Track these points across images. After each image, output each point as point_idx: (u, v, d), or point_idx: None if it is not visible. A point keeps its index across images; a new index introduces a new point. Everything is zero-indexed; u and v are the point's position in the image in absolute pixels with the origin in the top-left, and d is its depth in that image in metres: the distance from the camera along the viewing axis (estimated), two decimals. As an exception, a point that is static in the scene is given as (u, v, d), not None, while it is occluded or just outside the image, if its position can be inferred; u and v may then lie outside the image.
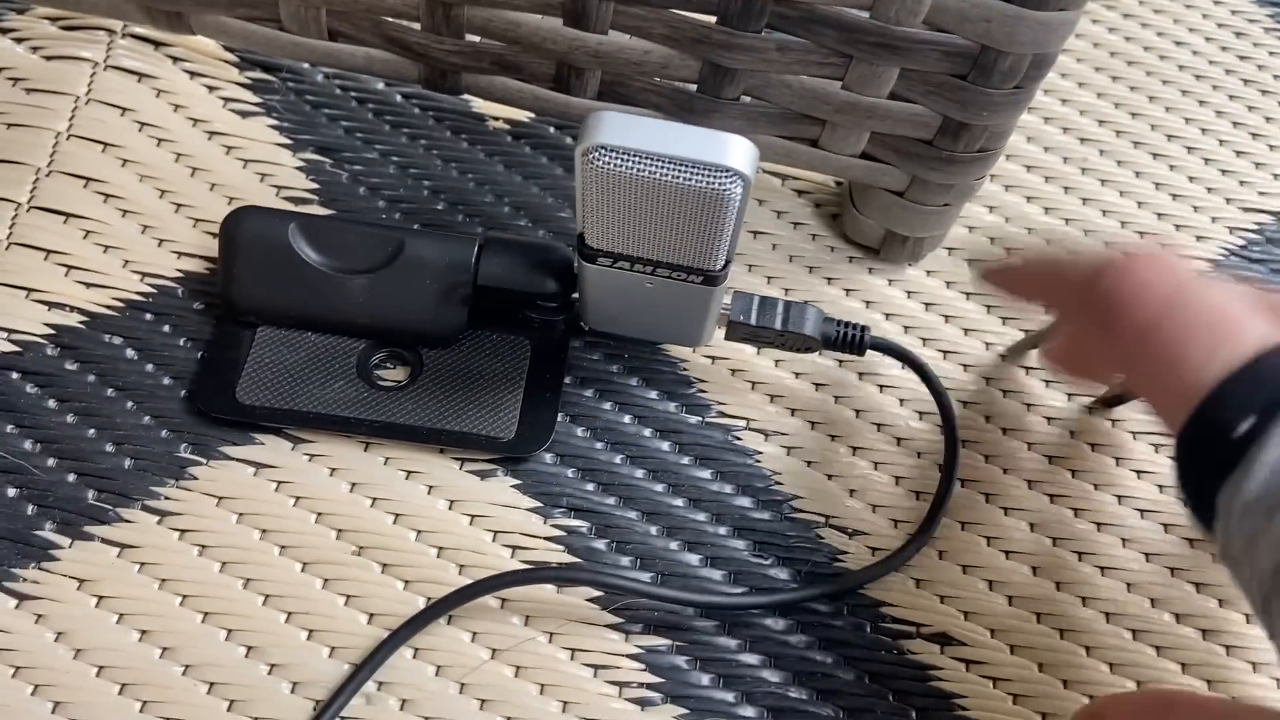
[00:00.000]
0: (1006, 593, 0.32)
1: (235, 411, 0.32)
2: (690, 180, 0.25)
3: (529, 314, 0.34)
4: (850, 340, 0.33)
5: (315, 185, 0.37)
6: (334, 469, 0.32)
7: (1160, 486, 0.34)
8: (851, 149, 0.34)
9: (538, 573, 0.31)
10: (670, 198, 0.26)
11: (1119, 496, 0.34)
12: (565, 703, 0.30)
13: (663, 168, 0.25)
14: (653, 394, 0.35)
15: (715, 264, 0.28)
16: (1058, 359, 0.32)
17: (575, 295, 0.33)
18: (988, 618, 0.32)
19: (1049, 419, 0.35)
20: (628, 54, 0.32)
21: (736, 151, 0.25)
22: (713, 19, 0.30)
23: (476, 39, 0.33)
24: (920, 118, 0.32)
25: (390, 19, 0.33)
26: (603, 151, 0.25)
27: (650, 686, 0.30)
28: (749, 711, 0.30)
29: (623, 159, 0.25)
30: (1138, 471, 0.34)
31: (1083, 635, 0.32)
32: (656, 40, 0.31)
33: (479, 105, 0.39)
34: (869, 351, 0.33)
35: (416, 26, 0.32)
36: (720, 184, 0.25)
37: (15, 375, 0.33)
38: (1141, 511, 0.34)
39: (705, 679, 0.30)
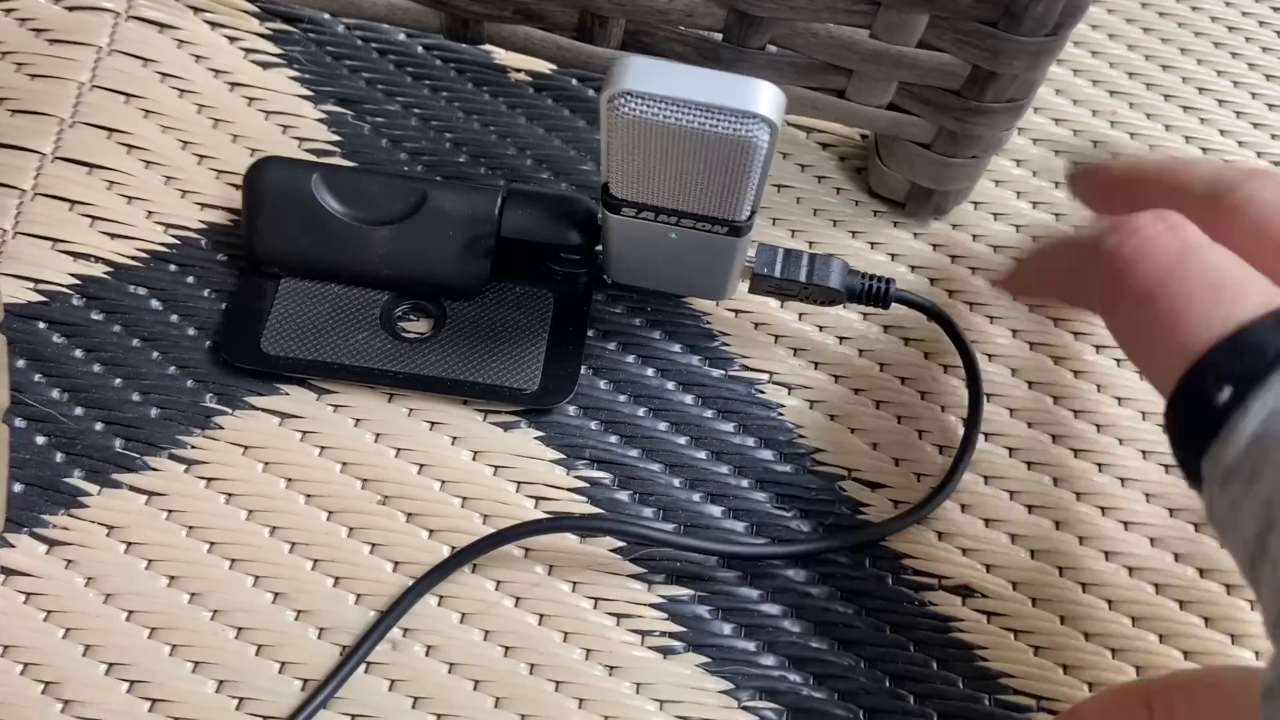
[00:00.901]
0: (1029, 546, 0.32)
1: (260, 362, 0.32)
2: (717, 127, 0.25)
3: (552, 267, 0.34)
4: (875, 293, 0.33)
5: (337, 137, 0.37)
6: (358, 420, 0.32)
7: (1186, 442, 0.34)
8: (878, 100, 0.34)
9: (560, 522, 0.31)
10: (696, 145, 0.25)
11: (1144, 451, 0.34)
12: (588, 650, 0.30)
13: (689, 114, 0.25)
14: (676, 347, 0.35)
15: (741, 214, 0.28)
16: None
17: (599, 248, 0.33)
18: (1010, 570, 0.32)
19: (1075, 373, 0.35)
20: (652, 1, 0.31)
21: (764, 98, 0.25)
22: (739, -36, 0.30)
23: (499, -14, 0.32)
24: (949, 67, 0.32)
25: (412, -34, 0.32)
26: (628, 98, 0.25)
27: (672, 635, 0.30)
28: (769, 660, 0.30)
29: (648, 105, 0.25)
30: (1161, 426, 0.34)
31: (1106, 589, 0.32)
32: (682, -13, 0.31)
33: (501, 57, 0.39)
34: (894, 305, 0.33)
35: (439, -26, 0.32)
36: (748, 130, 0.25)
37: (42, 325, 0.33)
38: (1166, 466, 0.34)
39: (727, 628, 0.31)
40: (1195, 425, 0.22)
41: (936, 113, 0.33)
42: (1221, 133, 0.40)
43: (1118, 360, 0.35)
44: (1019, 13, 0.29)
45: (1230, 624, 0.31)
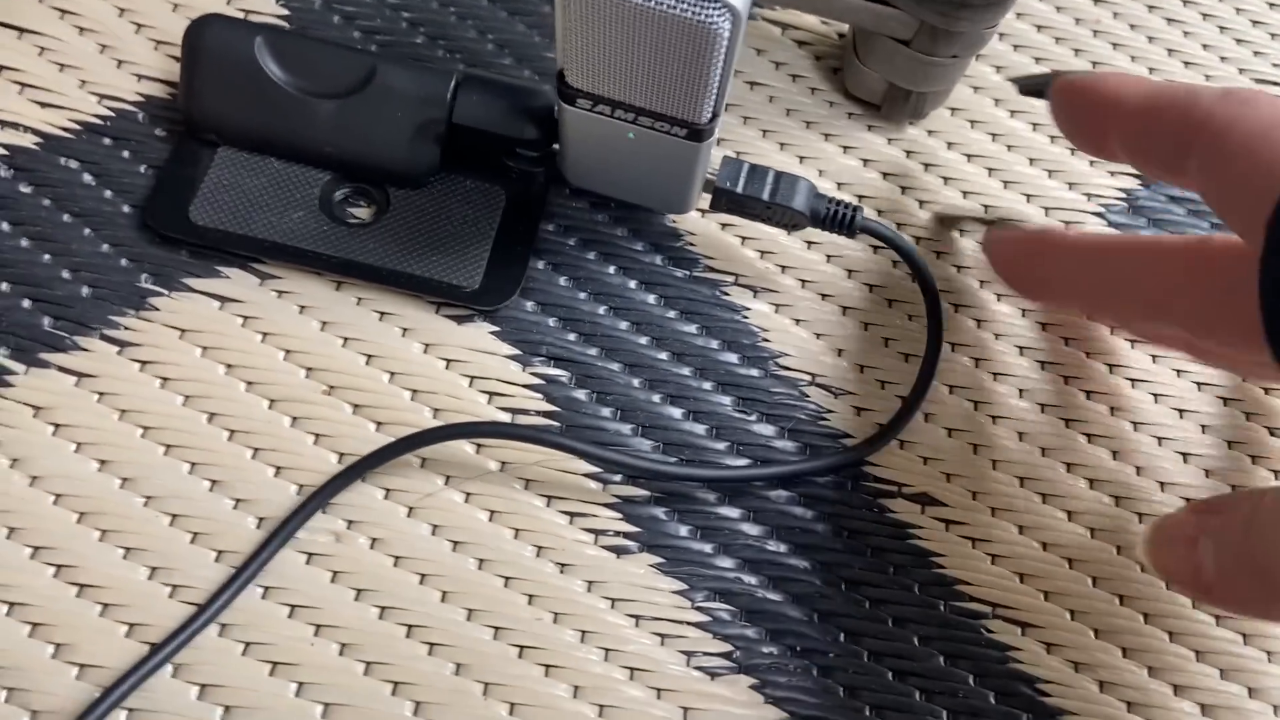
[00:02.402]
0: (991, 456, 0.32)
1: (187, 231, 0.30)
2: (675, 8, 0.23)
3: (507, 162, 0.32)
4: (840, 219, 0.31)
5: (286, 11, 0.35)
6: (304, 306, 0.31)
7: (1154, 357, 0.34)
8: (859, -10, 0.32)
9: (500, 427, 0.30)
10: (654, 28, 0.24)
11: (1110, 365, 0.33)
12: (540, 548, 0.29)
13: None
14: (639, 245, 0.33)
15: (701, 116, 0.27)
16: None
17: (556, 145, 0.31)
18: (970, 480, 0.31)
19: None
20: None
21: None
22: None
23: None
24: (934, -44, 0.30)
25: None
26: None
27: (627, 535, 0.30)
28: (726, 563, 0.30)
29: None
30: (1131, 341, 0.34)
31: (1065, 500, 0.31)
32: None
33: (463, -67, 0.37)
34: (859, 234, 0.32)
35: None
36: (708, 16, 0.23)
37: (-35, 195, 0.31)
38: (1133, 381, 0.33)
39: (683, 530, 0.30)
40: None
41: (918, 5, 0.32)
42: (1204, 46, 0.39)
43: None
44: (1010, -103, 0.28)
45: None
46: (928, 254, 0.34)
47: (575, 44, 0.25)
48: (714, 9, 0.23)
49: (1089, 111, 0.28)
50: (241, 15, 0.34)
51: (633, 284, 0.33)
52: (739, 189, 0.30)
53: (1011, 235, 0.33)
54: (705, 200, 0.31)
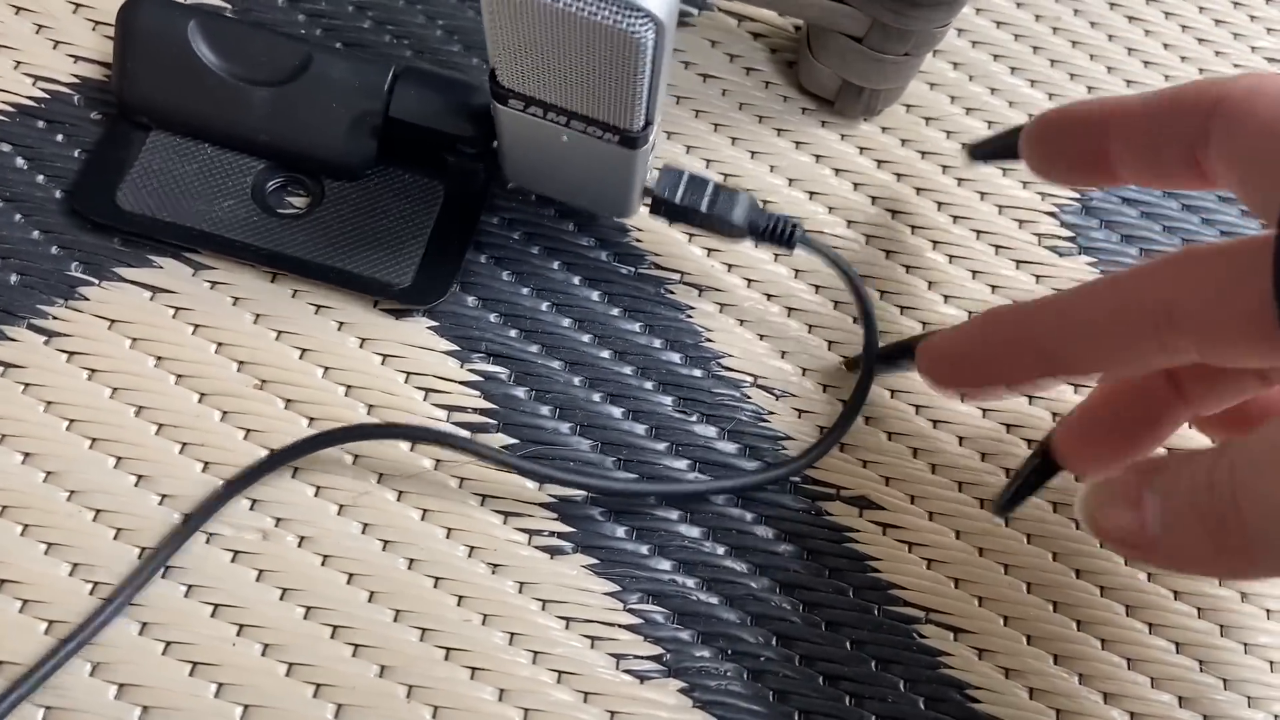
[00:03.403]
0: (931, 461, 0.32)
1: (113, 216, 0.30)
2: (596, 15, 0.23)
3: (447, 158, 0.31)
4: (779, 234, 0.31)
5: (229, -7, 0.34)
6: (237, 298, 0.30)
7: (1098, 362, 0.33)
8: (810, -15, 0.32)
9: (427, 431, 0.29)
10: (577, 33, 0.23)
11: (1056, 370, 0.33)
12: (472, 548, 0.29)
13: None
14: (585, 240, 0.33)
15: (633, 124, 0.26)
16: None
17: (496, 143, 0.31)
18: (909, 484, 0.31)
19: (992, 287, 0.34)
20: None
21: None
22: None
23: None
24: (885, -47, 0.30)
25: None
26: None
27: (561, 536, 0.29)
28: (662, 565, 0.29)
29: None
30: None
31: (1004, 506, 0.31)
32: None
33: (413, -84, 0.36)
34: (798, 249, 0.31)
35: None
36: (629, 24, 0.23)
37: (-111, 178, 0.30)
38: (1075, 387, 0.33)
39: (620, 531, 0.30)
40: None
41: (870, 2, 0.31)
42: (1165, 46, 0.39)
43: (1036, 276, 0.34)
44: (960, -104, 0.27)
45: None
46: (875, 254, 0.34)
47: (503, 44, 0.25)
48: (636, 18, 0.23)
49: (1083, 130, 0.27)
50: (182, -4, 0.33)
51: (576, 280, 0.33)
52: (677, 199, 0.30)
53: (945, 334, 0.27)
54: (645, 207, 0.31)
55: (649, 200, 0.31)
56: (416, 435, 0.29)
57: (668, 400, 0.31)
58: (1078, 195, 0.36)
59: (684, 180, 0.30)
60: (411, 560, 0.28)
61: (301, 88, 0.30)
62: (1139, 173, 0.26)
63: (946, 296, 0.34)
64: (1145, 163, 0.26)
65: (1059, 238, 0.35)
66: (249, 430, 0.29)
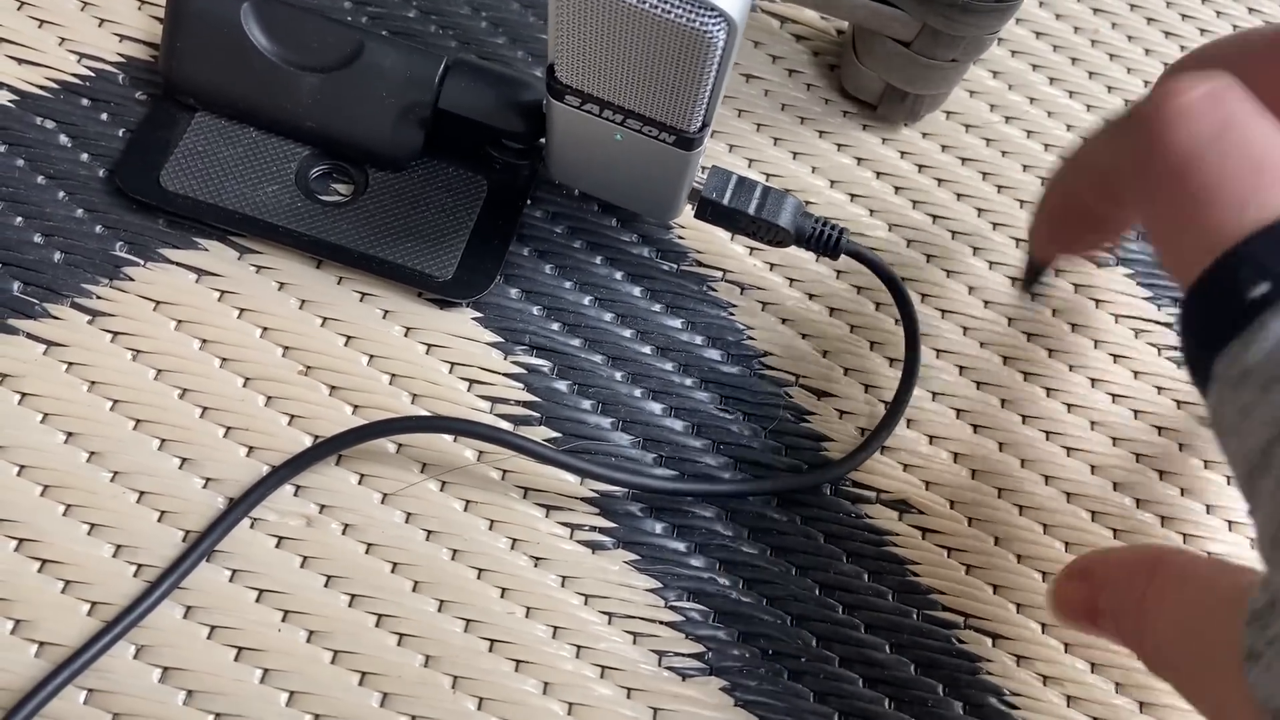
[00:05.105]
0: (970, 466, 0.32)
1: (156, 195, 0.30)
2: (670, 13, 0.23)
3: (492, 152, 0.31)
4: (825, 240, 0.31)
5: (276, -24, 0.34)
6: (283, 283, 0.30)
7: (1135, 373, 0.34)
8: (863, -12, 0.32)
9: (477, 427, 0.28)
10: (648, 31, 0.23)
11: (1092, 380, 0.33)
12: (514, 540, 0.29)
13: None
14: (629, 236, 0.33)
15: (691, 124, 0.26)
16: (1045, 230, 0.29)
17: (543, 140, 0.30)
18: (949, 489, 0.31)
19: (1033, 295, 0.34)
20: None
21: None
22: None
23: None
24: (941, -42, 0.30)
25: None
26: None
27: (603, 531, 0.29)
28: (698, 562, 0.29)
29: None
30: (1114, 356, 0.34)
31: (1042, 513, 0.31)
32: None
33: (461, -94, 0.36)
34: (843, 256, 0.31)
35: None
36: (703, 24, 0.23)
37: (-66, 151, 0.30)
38: (1114, 396, 0.33)
39: (659, 527, 0.30)
40: (1217, 318, 0.20)
41: (922, 7, 0.31)
42: (1202, 63, 0.39)
43: (1074, 286, 0.35)
44: (1021, -97, 0.27)
45: (1160, 555, 0.31)
46: (917, 257, 0.34)
47: (567, 39, 0.25)
48: (709, 17, 0.23)
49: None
50: (230, -22, 0.33)
51: (619, 275, 0.32)
52: (725, 201, 0.30)
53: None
54: (690, 209, 0.31)
55: (694, 202, 0.31)
56: (466, 430, 0.28)
57: (708, 397, 0.31)
58: (1115, 206, 0.36)
59: (732, 182, 0.30)
60: (455, 551, 0.28)
61: (352, 76, 0.30)
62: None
63: (987, 302, 0.34)
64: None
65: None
66: (293, 416, 0.29)
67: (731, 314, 0.33)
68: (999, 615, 0.30)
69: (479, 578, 0.28)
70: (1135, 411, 0.33)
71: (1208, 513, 0.32)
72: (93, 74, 0.32)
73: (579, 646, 0.28)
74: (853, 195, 0.35)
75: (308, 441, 0.29)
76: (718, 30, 0.23)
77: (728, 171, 0.30)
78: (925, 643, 0.29)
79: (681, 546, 0.29)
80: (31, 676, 0.25)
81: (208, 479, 0.28)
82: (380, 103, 0.30)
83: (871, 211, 0.35)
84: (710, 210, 0.31)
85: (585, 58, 0.25)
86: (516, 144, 0.31)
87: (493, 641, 0.27)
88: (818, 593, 0.29)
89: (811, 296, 0.33)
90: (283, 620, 0.27)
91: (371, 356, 0.30)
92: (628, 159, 0.29)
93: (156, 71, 0.32)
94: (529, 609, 0.28)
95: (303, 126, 0.30)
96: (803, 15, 0.37)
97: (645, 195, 0.31)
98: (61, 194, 0.30)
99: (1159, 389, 0.33)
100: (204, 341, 0.29)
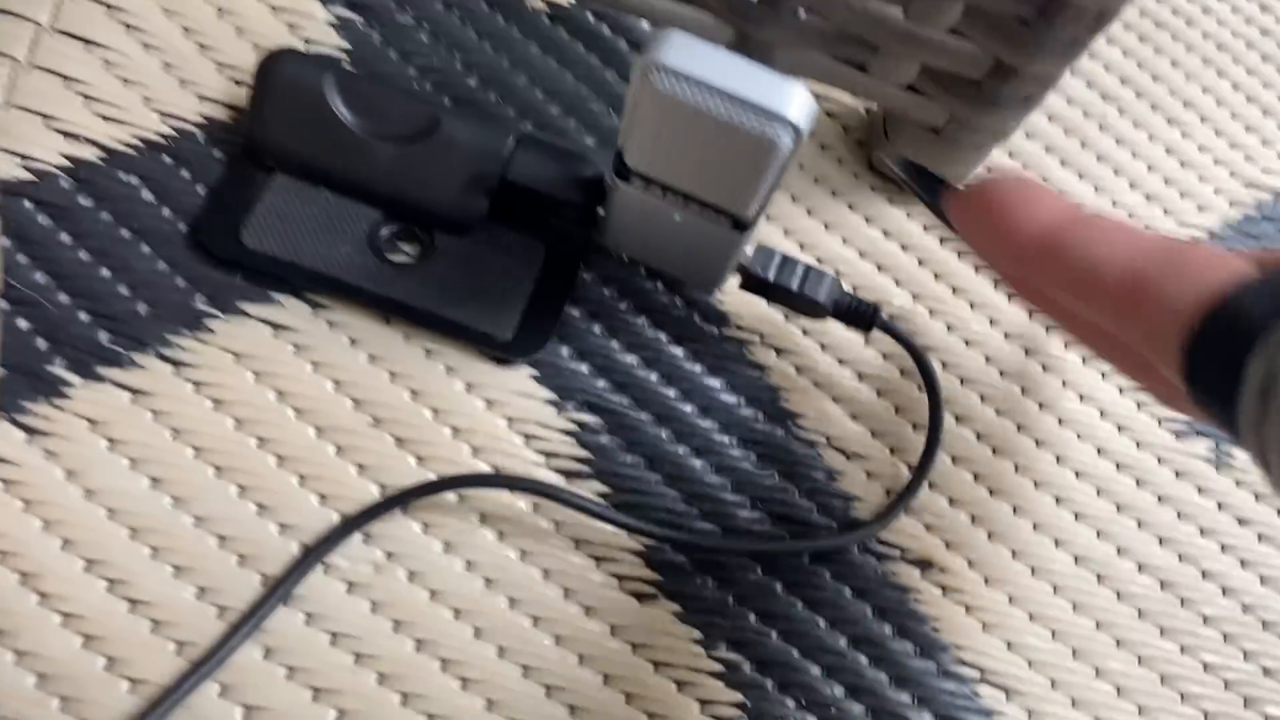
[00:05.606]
0: (987, 528, 0.34)
1: (236, 252, 0.31)
2: (745, 121, 0.25)
3: (550, 220, 0.33)
4: (860, 315, 0.34)
5: (346, 44, 0.36)
6: (354, 339, 0.32)
7: (1138, 443, 0.36)
8: (899, 79, 0.34)
9: (537, 485, 0.31)
10: (720, 134, 0.26)
11: (1099, 449, 0.36)
12: (566, 589, 0.31)
13: (721, 102, 0.25)
14: (672, 299, 0.35)
15: (748, 211, 0.29)
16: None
17: (600, 211, 0.33)
18: (967, 549, 0.34)
19: (1044, 366, 0.37)
20: (699, -48, 0.31)
21: (796, 102, 0.25)
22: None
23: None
24: (974, 57, 0.32)
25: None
26: (665, 72, 0.25)
27: (648, 581, 0.31)
28: (745, 614, 0.31)
29: (683, 83, 0.25)
30: (1119, 426, 0.36)
31: (1052, 575, 0.34)
32: (731, -58, 0.31)
33: (521, -19, 0.38)
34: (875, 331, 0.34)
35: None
36: (774, 132, 0.25)
37: (28, 204, 0.31)
38: (1118, 465, 0.36)
39: (703, 579, 0.32)
40: (1226, 346, 0.21)
41: (954, 99, 0.34)
42: (1200, 149, 0.42)
43: (1084, 358, 0.37)
44: (1053, 14, 0.30)
45: (1165, 621, 0.34)
46: (938, 326, 0.36)
47: (641, 133, 0.27)
48: (780, 125, 0.25)
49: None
50: (302, 43, 0.35)
51: (663, 336, 0.35)
52: (770, 276, 0.32)
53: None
54: (735, 280, 0.33)
55: (739, 273, 0.33)
56: (525, 486, 0.30)
57: (747, 455, 0.33)
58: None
59: (776, 259, 0.33)
60: (512, 600, 0.30)
61: (427, 147, 0.31)
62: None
63: (1003, 372, 0.36)
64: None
65: (1106, 324, 0.38)
66: (362, 465, 0.31)
67: (769, 377, 0.35)
68: (1013, 672, 0.32)
69: (535, 625, 0.30)
70: (1138, 480, 0.35)
71: (1203, 579, 0.34)
72: (175, 133, 0.33)
73: (629, 693, 0.30)
74: (880, 266, 0.37)
75: (375, 490, 0.30)
76: (786, 137, 0.25)
77: (772, 249, 0.33)
78: (948, 698, 0.31)
79: (727, 598, 0.31)
80: (125, 711, 0.27)
81: (283, 525, 0.30)
82: (451, 171, 0.32)
83: (898, 282, 0.37)
84: (755, 283, 0.33)
85: (655, 150, 0.27)
86: (575, 213, 0.33)
87: (549, 688, 0.29)
88: (848, 645, 0.32)
89: (841, 362, 0.35)
90: (355, 663, 0.28)
91: (436, 410, 0.32)
92: (683, 235, 0.31)
93: (235, 132, 0.33)
94: (581, 656, 0.30)
95: (376, 191, 0.32)
96: (834, 94, 0.40)
97: (695, 266, 0.33)
98: (145, 248, 0.32)
99: (1159, 459, 0.36)
100: (280, 393, 0.31)
